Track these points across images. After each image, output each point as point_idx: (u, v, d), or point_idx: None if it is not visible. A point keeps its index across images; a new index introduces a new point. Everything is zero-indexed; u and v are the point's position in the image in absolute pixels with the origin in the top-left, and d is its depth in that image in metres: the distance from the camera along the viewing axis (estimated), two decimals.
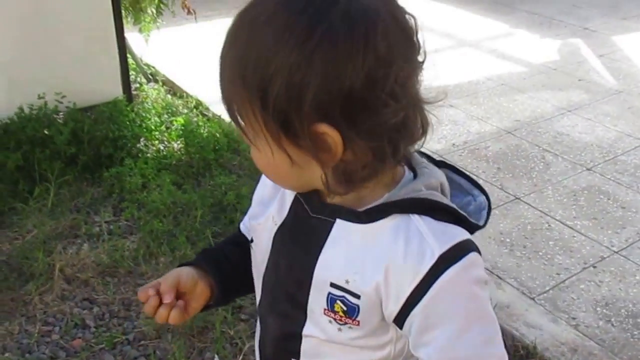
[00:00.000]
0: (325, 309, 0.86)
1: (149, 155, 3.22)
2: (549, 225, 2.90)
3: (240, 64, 0.75)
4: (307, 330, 0.90)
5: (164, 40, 4.33)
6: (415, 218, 0.81)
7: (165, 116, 3.59)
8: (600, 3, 6.23)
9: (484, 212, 0.91)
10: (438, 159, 0.94)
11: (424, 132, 0.82)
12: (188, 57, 4.56)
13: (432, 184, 0.85)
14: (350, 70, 0.72)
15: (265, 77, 0.73)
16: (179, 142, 3.38)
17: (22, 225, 2.74)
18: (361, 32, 0.72)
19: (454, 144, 3.58)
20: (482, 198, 0.92)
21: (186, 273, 0.99)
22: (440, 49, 4.94)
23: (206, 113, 3.72)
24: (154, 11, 4.08)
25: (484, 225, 0.89)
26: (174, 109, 3.71)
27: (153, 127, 3.39)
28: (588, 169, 3.36)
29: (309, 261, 0.87)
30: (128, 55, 3.66)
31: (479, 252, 0.84)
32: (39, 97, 3.14)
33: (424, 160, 0.91)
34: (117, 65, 3.46)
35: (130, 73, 3.72)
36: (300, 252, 0.89)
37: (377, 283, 0.81)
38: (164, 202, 2.86)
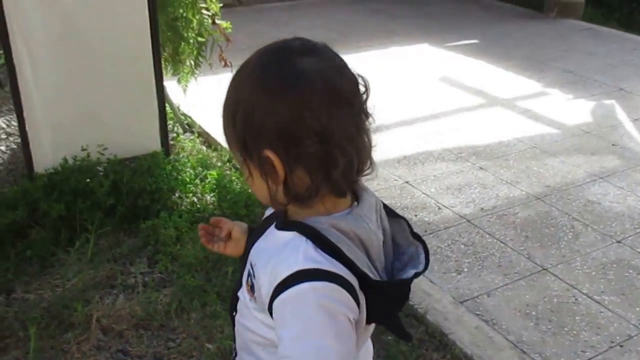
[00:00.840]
0: (246, 281, 1.14)
1: (183, 208, 3.31)
2: (576, 299, 2.91)
3: (226, 100, 1.05)
4: (240, 293, 1.18)
5: (200, 90, 4.45)
6: (303, 240, 1.02)
7: (200, 169, 3.69)
8: (636, 62, 6.25)
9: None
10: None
11: (360, 171, 1.04)
12: None
13: (341, 227, 1.03)
14: (284, 109, 0.97)
15: (235, 108, 1.02)
16: (212, 195, 3.47)
17: (63, 274, 2.85)
18: (294, 85, 0.98)
19: (482, 209, 3.61)
20: (412, 272, 1.09)
21: (240, 226, 1.37)
22: (472, 107, 5.01)
23: (239, 167, 3.80)
24: (193, 63, 4.22)
25: (380, 282, 1.04)
26: (208, 162, 3.81)
27: (188, 180, 3.49)
28: (618, 241, 3.36)
29: (251, 245, 1.18)
30: (166, 105, 3.78)
31: (348, 291, 0.99)
32: (82, 149, 3.28)
33: (365, 214, 1.07)
34: (157, 117, 3.58)
35: (168, 122, 3.84)
36: (254, 238, 1.19)
37: (262, 276, 1.06)
38: (196, 257, 2.94)
